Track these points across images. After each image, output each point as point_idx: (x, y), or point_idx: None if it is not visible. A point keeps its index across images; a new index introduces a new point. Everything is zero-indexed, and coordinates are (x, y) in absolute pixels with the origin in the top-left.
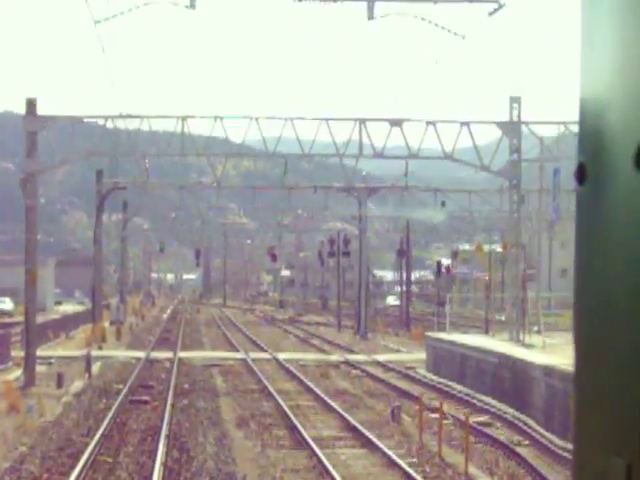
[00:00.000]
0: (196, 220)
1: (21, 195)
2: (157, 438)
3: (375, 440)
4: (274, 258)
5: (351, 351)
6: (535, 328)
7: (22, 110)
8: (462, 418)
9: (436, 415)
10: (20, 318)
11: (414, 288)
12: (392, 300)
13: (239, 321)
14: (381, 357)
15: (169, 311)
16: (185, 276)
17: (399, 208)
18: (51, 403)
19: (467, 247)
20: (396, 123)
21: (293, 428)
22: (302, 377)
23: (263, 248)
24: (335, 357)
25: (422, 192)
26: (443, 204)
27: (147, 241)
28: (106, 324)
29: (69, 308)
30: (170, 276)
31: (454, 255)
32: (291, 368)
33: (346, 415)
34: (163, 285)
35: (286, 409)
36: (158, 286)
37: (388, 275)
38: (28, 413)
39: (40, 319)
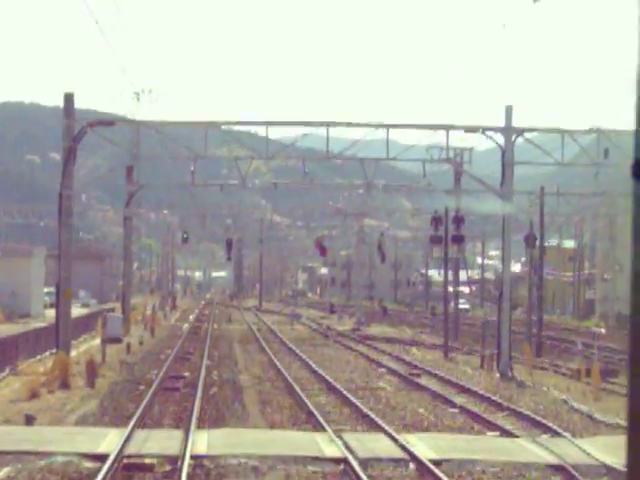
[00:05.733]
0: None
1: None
2: None
3: None
4: (323, 251)
5: (534, 422)
6: None
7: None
8: None
9: None
10: None
11: (465, 289)
12: (460, 304)
13: (287, 336)
14: (607, 456)
15: (192, 317)
16: (214, 273)
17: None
18: None
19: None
20: None
21: None
22: None
23: (298, 244)
24: (535, 453)
25: (584, 135)
26: (606, 154)
27: (169, 231)
28: (94, 344)
29: None
30: (199, 274)
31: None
32: None
33: None
34: (191, 283)
35: None
36: (185, 284)
37: (433, 274)
38: None
39: (8, 330)
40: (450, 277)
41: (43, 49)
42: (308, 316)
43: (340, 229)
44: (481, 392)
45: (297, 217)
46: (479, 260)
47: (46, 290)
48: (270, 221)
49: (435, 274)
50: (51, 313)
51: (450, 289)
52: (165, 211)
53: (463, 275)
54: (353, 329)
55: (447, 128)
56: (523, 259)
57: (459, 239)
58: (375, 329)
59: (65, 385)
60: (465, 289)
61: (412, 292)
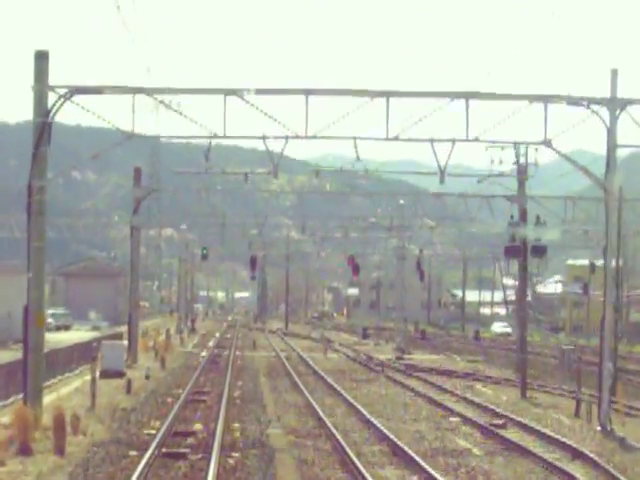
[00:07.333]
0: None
1: None
2: None
3: None
4: (356, 270)
5: None
6: None
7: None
8: None
9: None
10: None
11: (501, 311)
12: (499, 327)
13: (322, 367)
14: None
15: (212, 343)
16: (237, 294)
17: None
18: None
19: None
20: None
21: None
22: None
23: (323, 262)
24: None
25: None
26: None
27: (187, 248)
28: (86, 379)
29: (74, 336)
30: (222, 294)
31: (592, 269)
32: None
33: None
34: (213, 304)
35: None
36: (207, 305)
37: (469, 295)
38: None
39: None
40: (470, 298)
41: (65, 67)
42: (340, 341)
43: (372, 246)
44: (595, 458)
45: (328, 230)
46: (504, 280)
47: (51, 311)
48: (298, 236)
49: (466, 294)
50: (54, 337)
51: (478, 310)
52: (183, 226)
53: (497, 296)
54: (396, 357)
55: (545, 100)
56: (558, 276)
57: (541, 250)
58: (419, 357)
59: (25, 450)
60: (501, 310)
61: (445, 313)
